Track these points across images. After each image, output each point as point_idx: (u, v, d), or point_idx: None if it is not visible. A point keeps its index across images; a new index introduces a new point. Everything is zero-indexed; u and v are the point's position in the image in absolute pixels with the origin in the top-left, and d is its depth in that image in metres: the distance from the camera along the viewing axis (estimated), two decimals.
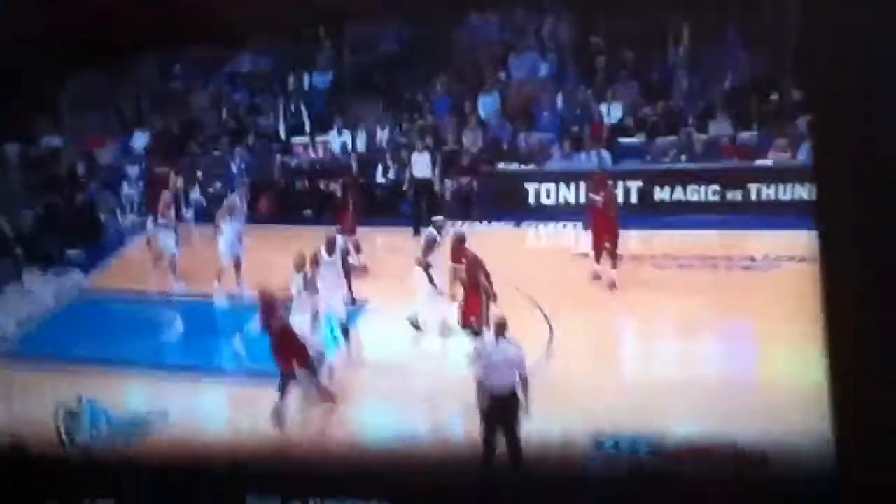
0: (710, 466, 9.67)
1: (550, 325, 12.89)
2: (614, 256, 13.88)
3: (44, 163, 18.49)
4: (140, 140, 18.95)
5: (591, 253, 14.15)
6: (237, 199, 15.10)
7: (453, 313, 12.44)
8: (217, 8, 17.50)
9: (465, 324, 12.10)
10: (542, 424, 10.75)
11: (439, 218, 13.30)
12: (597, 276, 14.05)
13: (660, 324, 13.08)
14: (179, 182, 17.18)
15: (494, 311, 11.37)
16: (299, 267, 12.10)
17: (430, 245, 12.83)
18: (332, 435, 11.20)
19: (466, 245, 12.43)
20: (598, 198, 14.06)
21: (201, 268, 15.10)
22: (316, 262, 12.26)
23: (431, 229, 13.07)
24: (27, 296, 15.36)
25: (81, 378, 12.85)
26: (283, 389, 11.22)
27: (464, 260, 12.25)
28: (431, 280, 12.67)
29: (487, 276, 12.13)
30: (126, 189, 17.70)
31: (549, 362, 12.08)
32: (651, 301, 13.42)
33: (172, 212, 14.91)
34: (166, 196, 15.25)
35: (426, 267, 12.74)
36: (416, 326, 12.84)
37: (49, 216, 17.01)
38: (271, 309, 11.29)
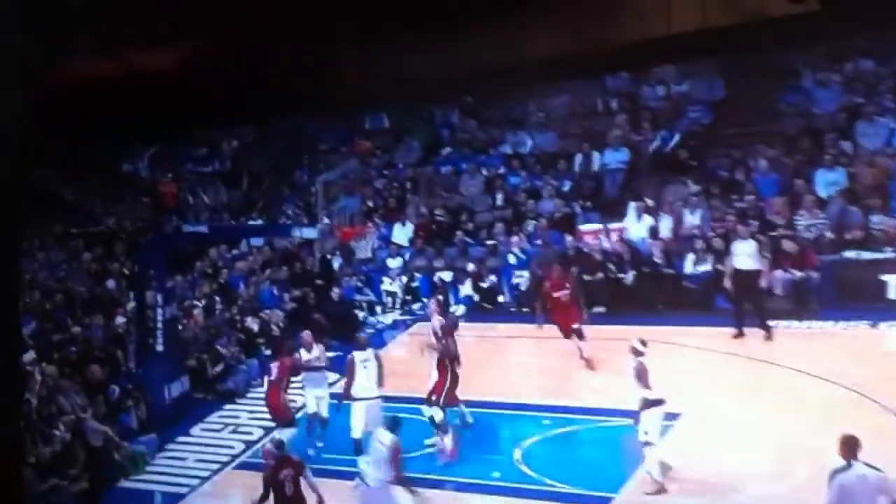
0: None
1: None
2: None
3: (296, 256, 18.31)
4: (401, 231, 18.51)
5: None
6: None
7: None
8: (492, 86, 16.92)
9: (427, 400, 12.71)
10: None
11: None
12: None
13: None
14: (447, 276, 17.10)
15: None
16: None
17: None
18: None
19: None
20: None
21: (473, 372, 13.83)
22: None
23: None
24: None
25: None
26: None
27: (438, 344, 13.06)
28: None
29: (456, 359, 12.82)
30: (387, 284, 17.42)
31: None
32: None
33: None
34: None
35: None
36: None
37: (301, 313, 16.48)
38: None
